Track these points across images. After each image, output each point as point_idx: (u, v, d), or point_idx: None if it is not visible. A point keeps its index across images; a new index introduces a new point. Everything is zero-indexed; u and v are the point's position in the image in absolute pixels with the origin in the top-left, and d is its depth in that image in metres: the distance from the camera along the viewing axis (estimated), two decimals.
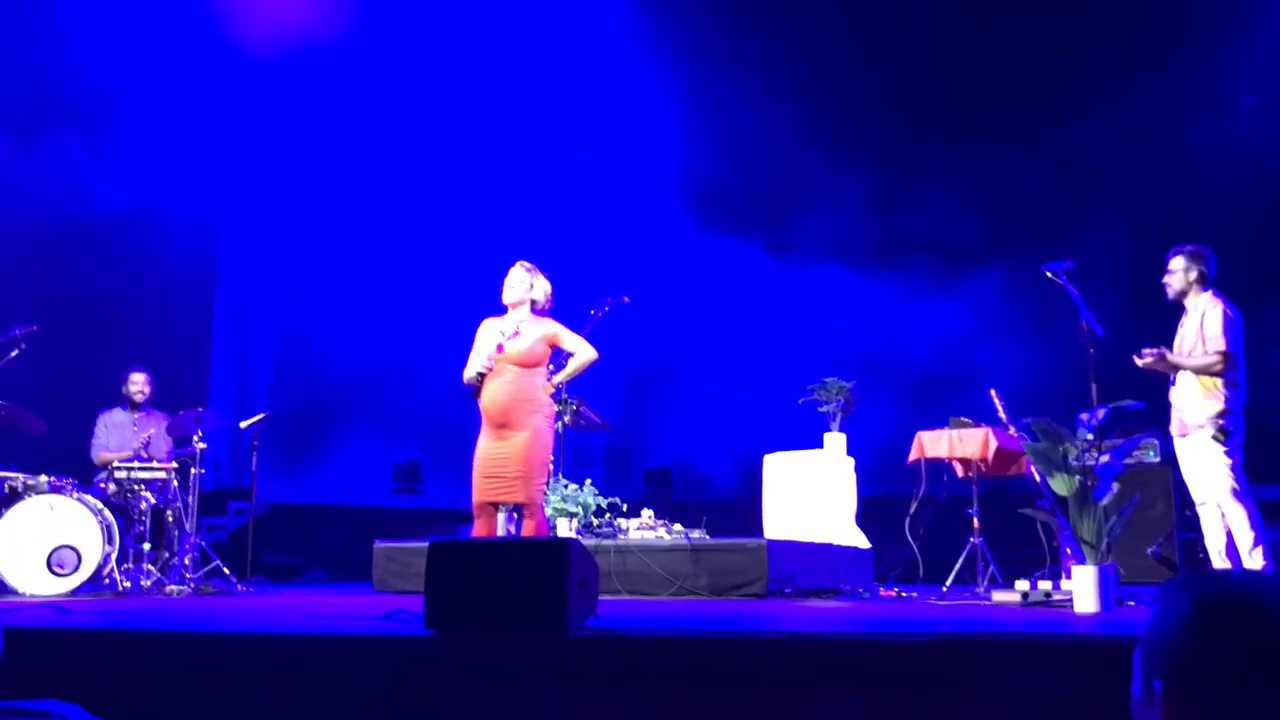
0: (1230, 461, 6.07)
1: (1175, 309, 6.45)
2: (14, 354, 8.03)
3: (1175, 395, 6.32)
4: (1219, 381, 6.13)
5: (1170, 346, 6.37)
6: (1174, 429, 6.36)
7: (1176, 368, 6.26)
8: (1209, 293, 6.31)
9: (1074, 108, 12.89)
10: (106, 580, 7.51)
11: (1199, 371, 6.17)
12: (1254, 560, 5.97)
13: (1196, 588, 1.42)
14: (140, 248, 12.77)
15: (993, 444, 7.43)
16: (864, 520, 8.59)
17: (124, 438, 8.67)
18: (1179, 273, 6.37)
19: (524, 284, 6.47)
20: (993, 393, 7.52)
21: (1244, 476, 6.10)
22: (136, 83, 12.32)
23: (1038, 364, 11.15)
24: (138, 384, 8.85)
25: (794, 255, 14.00)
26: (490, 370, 6.32)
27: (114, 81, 12.16)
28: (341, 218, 13.96)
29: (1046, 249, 7.03)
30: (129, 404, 8.84)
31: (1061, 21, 12.97)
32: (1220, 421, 6.09)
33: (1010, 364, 11.24)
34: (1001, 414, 7.40)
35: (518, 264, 6.55)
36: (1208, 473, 6.13)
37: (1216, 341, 6.13)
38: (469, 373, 6.39)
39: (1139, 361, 6.29)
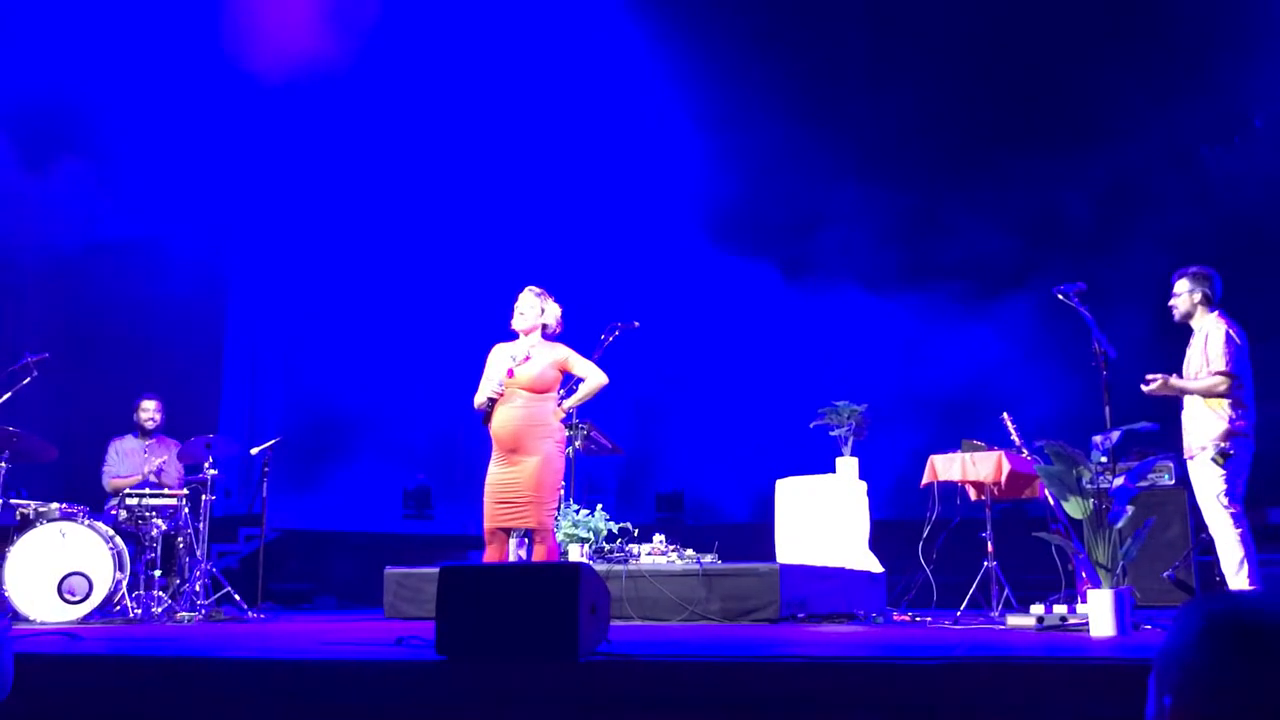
0: (1225, 487, 6.06)
1: None
2: (26, 381, 8.05)
3: (1185, 418, 6.32)
4: (1225, 403, 6.13)
5: (1180, 369, 6.36)
6: (1185, 452, 6.35)
7: (1182, 392, 6.25)
8: (1214, 314, 6.31)
9: (1105, 130, 12.88)
10: (117, 607, 7.49)
11: (1204, 394, 6.17)
12: (1239, 581, 5.97)
13: (1209, 607, 1.42)
14: (151, 275, 12.80)
15: (1006, 467, 7.40)
16: (877, 544, 8.55)
17: (135, 465, 8.67)
18: (1184, 295, 6.38)
19: (535, 309, 6.47)
20: (1005, 416, 7.49)
21: (1240, 498, 6.10)
22: (147, 112, 12.41)
23: (1061, 387, 11.11)
24: (149, 411, 8.85)
25: (807, 277, 14.00)
26: (501, 395, 6.31)
27: (124, 110, 12.25)
28: (352, 244, 14.00)
29: (1070, 271, 6.99)
30: (140, 431, 8.84)
31: (1091, 37, 12.95)
32: (1222, 444, 6.09)
33: (1035, 387, 11.23)
34: (1014, 437, 7.37)
35: (527, 289, 6.55)
36: (1203, 492, 6.14)
37: (1218, 362, 6.13)
38: (479, 399, 6.39)
39: (1145, 389, 6.27)
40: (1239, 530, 6.01)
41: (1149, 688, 1.45)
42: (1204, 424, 6.17)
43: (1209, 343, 6.20)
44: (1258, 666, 1.33)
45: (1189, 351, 6.38)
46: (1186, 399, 6.29)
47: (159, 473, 8.47)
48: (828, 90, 13.84)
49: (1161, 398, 6.35)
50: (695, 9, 14.23)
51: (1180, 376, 6.31)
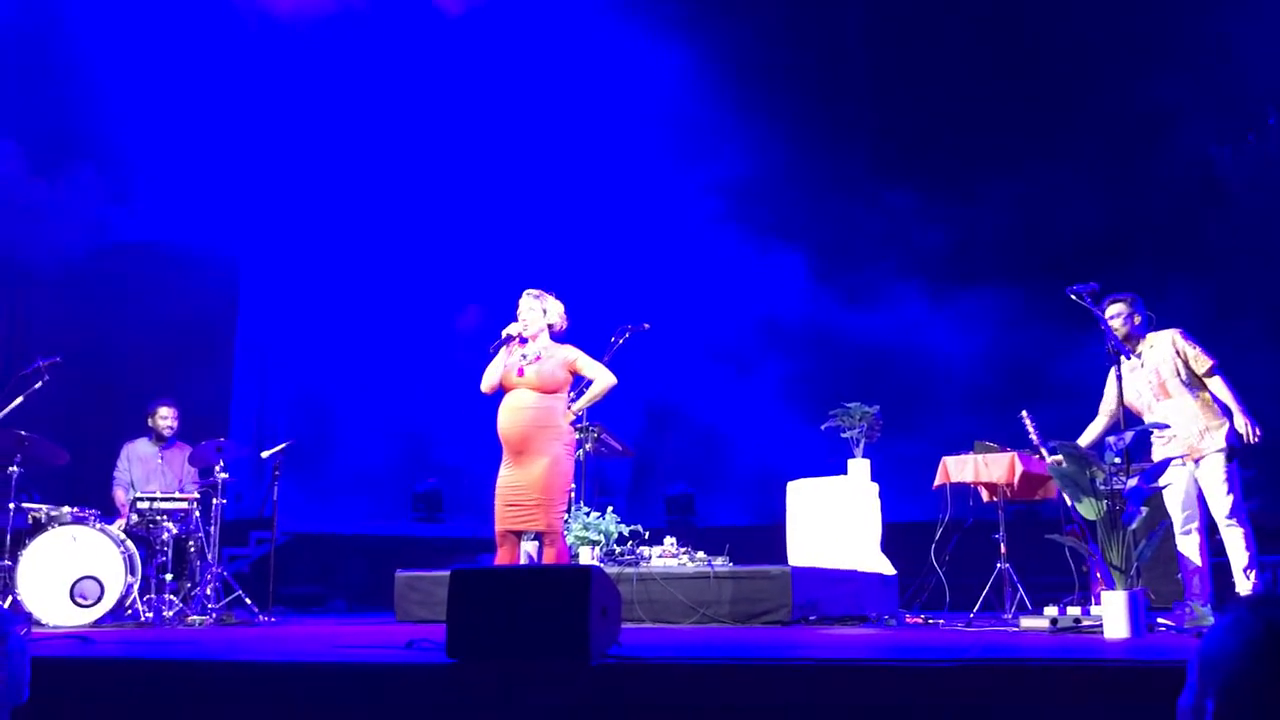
0: (1233, 484, 6.18)
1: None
2: (38, 385, 8.06)
3: (1178, 419, 6.27)
4: (1215, 404, 6.23)
5: (1163, 375, 6.36)
6: (1174, 450, 6.29)
7: (1230, 405, 6.25)
8: (1157, 331, 6.49)
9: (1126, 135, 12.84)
10: (129, 611, 7.49)
11: (1228, 397, 6.21)
12: (1247, 581, 6.08)
13: (1270, 614, 1.38)
14: (162, 279, 12.84)
15: (1019, 469, 7.35)
16: (889, 546, 8.51)
17: (148, 470, 8.67)
18: (1121, 316, 6.49)
19: (536, 312, 6.47)
20: (1024, 415, 7.42)
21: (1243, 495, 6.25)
22: (156, 117, 12.44)
23: (1072, 386, 11.07)
24: (166, 418, 8.82)
25: (815, 277, 13.96)
26: (515, 339, 6.33)
27: (134, 115, 12.28)
28: (363, 247, 14.02)
29: (1073, 274, 6.95)
30: (155, 436, 8.83)
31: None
32: (1233, 443, 6.17)
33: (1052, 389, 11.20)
34: (1033, 436, 7.28)
35: (525, 294, 6.54)
36: (1217, 493, 6.17)
37: (1204, 360, 6.28)
38: (487, 381, 6.38)
39: (1257, 439, 6.23)
40: (1244, 528, 6.11)
41: (1187, 684, 1.42)
42: (1210, 424, 6.22)
43: (1179, 348, 6.33)
44: None
45: (1140, 368, 6.44)
46: (1172, 403, 6.31)
47: (180, 487, 8.51)
48: (853, 83, 13.79)
49: (1179, 407, 6.34)
50: None
51: (1143, 397, 6.41)
